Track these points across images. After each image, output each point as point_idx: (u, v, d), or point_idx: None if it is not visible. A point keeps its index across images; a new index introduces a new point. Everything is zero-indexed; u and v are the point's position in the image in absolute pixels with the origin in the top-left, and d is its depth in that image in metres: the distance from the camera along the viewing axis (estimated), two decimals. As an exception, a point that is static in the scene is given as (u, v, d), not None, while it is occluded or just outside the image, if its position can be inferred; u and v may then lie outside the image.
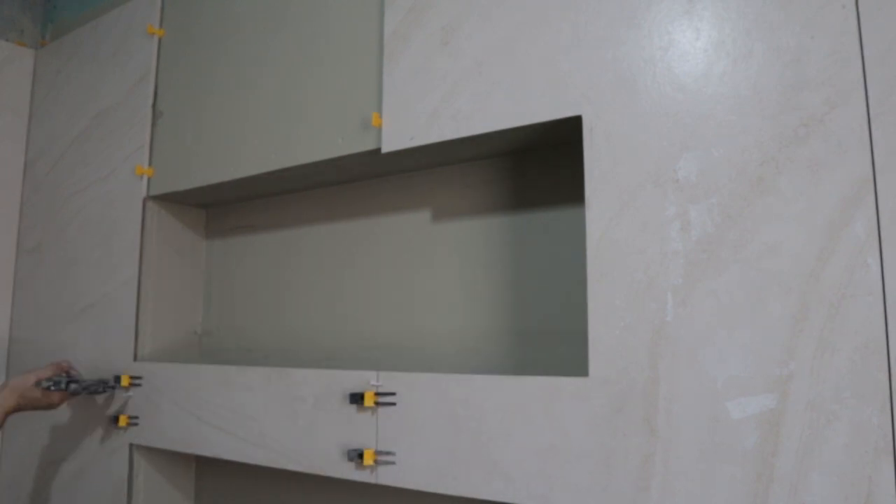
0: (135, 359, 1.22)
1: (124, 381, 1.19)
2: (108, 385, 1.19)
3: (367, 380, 0.87)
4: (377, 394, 0.86)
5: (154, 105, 1.28)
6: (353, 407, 0.89)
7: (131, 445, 1.20)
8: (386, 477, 0.84)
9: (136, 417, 1.17)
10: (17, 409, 1.11)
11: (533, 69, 0.80)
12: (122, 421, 1.18)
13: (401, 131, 0.90)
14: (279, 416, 0.97)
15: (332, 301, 1.18)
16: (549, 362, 0.90)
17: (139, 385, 1.18)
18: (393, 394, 0.85)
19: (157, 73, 1.29)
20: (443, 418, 0.80)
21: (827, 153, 0.61)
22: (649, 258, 0.69)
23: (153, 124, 1.28)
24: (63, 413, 1.33)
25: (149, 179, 1.26)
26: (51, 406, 1.14)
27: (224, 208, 1.38)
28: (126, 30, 1.35)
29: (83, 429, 1.28)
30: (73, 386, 1.15)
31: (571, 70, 0.77)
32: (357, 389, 0.88)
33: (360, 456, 0.85)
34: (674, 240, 0.68)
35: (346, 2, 1.02)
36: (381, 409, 0.86)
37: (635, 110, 0.72)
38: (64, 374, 1.18)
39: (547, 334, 0.91)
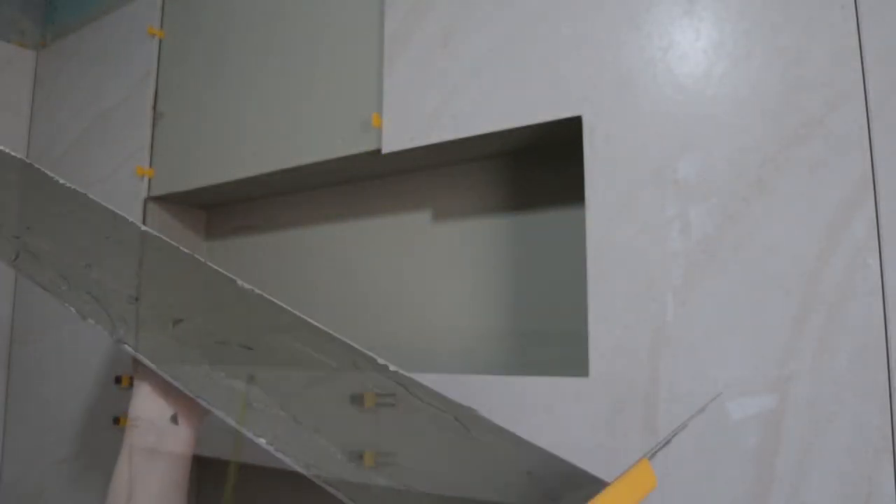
0: (136, 359, 1.22)
1: (125, 382, 1.19)
2: None
3: (368, 380, 0.87)
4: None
5: (155, 106, 1.28)
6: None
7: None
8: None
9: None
10: None
11: (533, 70, 0.80)
12: (124, 422, 1.18)
13: (401, 132, 0.90)
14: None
15: (331, 301, 1.18)
16: (549, 362, 0.90)
17: (140, 386, 1.18)
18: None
19: (157, 74, 1.29)
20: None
21: (827, 154, 0.62)
22: (649, 259, 0.69)
23: (154, 125, 1.28)
24: (64, 414, 1.33)
25: (149, 180, 1.26)
26: None
27: (225, 209, 1.39)
28: (126, 31, 1.35)
29: (84, 430, 1.28)
30: None
31: (571, 71, 0.77)
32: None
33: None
34: (674, 240, 0.68)
35: (346, 3, 1.02)
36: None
37: (635, 111, 0.72)
38: None
39: (547, 334, 0.91)
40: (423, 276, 1.06)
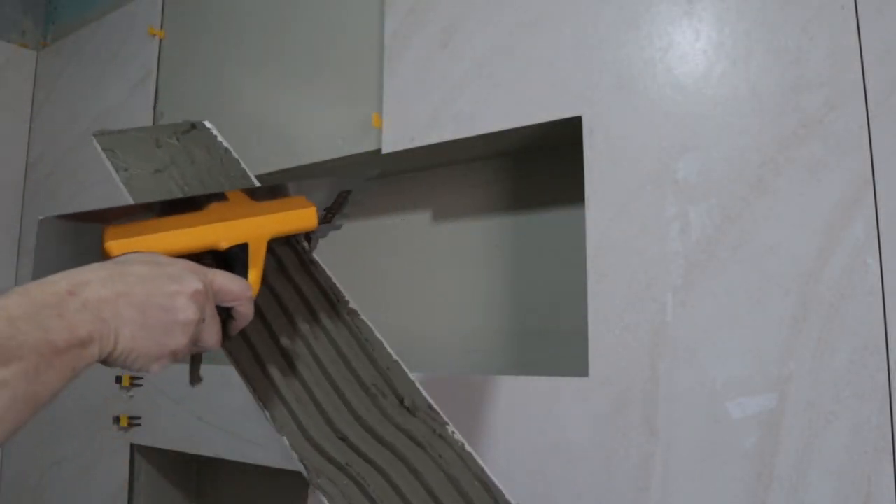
0: (136, 359, 1.22)
1: (125, 382, 1.19)
2: None
3: (368, 380, 0.87)
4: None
5: (155, 106, 1.28)
6: None
7: (133, 445, 1.20)
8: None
9: (138, 417, 1.17)
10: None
11: (533, 70, 0.80)
12: (124, 421, 1.18)
13: (401, 132, 0.90)
14: (280, 417, 0.97)
15: (332, 301, 1.18)
16: (549, 362, 0.90)
17: (140, 385, 1.18)
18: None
19: (157, 74, 1.29)
20: (443, 418, 0.80)
21: (826, 154, 0.62)
22: (649, 258, 0.69)
23: (154, 125, 1.28)
24: (65, 413, 1.33)
25: (150, 180, 1.26)
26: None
27: (225, 209, 1.38)
28: (127, 31, 1.36)
29: (85, 429, 1.28)
30: None
31: (571, 71, 0.77)
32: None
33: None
34: (673, 240, 0.68)
35: (346, 3, 1.03)
36: None
37: (635, 111, 0.72)
38: None
39: (547, 334, 0.91)
40: (423, 276, 1.06)
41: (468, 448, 0.50)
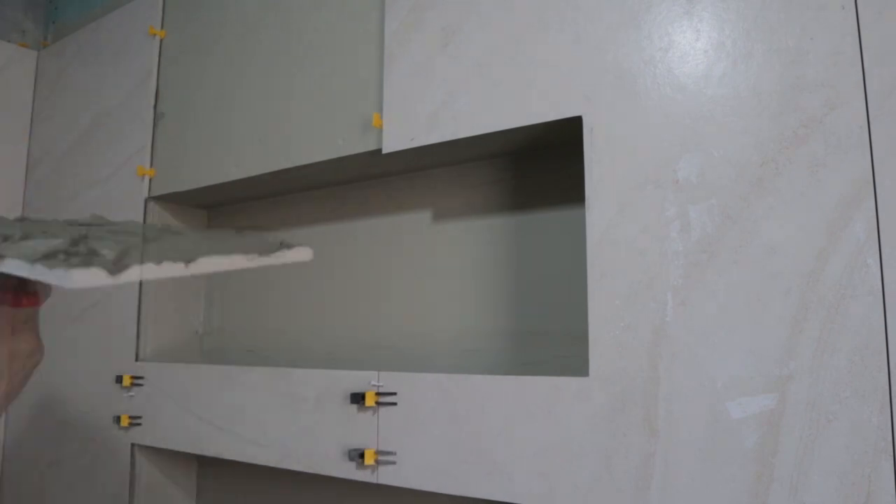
0: (136, 359, 1.22)
1: (126, 381, 1.19)
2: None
3: (368, 380, 0.87)
4: (378, 394, 0.86)
5: (155, 106, 1.28)
6: (355, 407, 0.89)
7: (133, 445, 1.20)
8: (387, 476, 0.84)
9: (139, 417, 1.17)
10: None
11: (533, 70, 0.80)
12: (124, 421, 1.18)
13: (401, 132, 0.90)
14: (280, 416, 0.97)
15: (332, 301, 1.18)
16: (549, 362, 0.90)
17: (141, 385, 1.18)
18: (394, 394, 0.85)
19: (158, 73, 1.29)
20: (443, 418, 0.80)
21: (826, 154, 0.62)
22: (649, 258, 0.69)
23: (154, 125, 1.28)
24: (65, 413, 1.33)
25: (150, 180, 1.26)
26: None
27: (225, 209, 1.39)
28: (127, 31, 1.36)
29: (85, 429, 1.28)
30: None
31: (572, 71, 0.77)
32: (358, 389, 0.88)
33: (362, 456, 0.85)
34: (674, 240, 0.68)
35: (346, 3, 1.03)
36: (382, 409, 0.86)
37: (635, 111, 0.72)
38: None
39: (547, 334, 0.91)
40: (423, 276, 1.06)
41: None
